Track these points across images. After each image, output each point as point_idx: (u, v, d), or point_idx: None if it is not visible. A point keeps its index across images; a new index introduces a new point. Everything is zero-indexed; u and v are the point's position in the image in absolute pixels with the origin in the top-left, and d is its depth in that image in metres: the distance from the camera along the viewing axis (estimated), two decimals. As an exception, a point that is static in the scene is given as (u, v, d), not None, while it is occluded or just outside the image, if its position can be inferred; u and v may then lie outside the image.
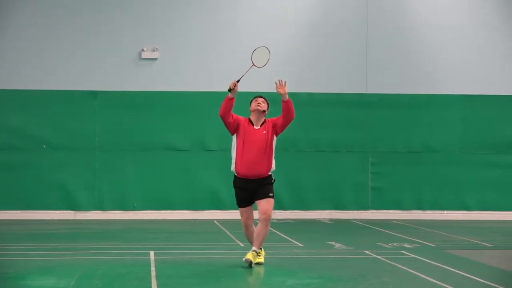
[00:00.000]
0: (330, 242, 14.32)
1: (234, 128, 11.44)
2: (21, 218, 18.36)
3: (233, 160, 11.44)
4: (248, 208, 11.45)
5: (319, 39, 19.65)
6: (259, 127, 11.44)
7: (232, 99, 11.34)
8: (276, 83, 11.43)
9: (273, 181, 11.46)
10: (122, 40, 19.15)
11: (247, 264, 11.33)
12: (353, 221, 18.85)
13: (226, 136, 18.94)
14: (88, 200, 18.80)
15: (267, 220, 11.28)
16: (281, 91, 11.33)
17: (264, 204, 11.29)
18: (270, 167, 11.43)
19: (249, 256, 11.37)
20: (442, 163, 19.67)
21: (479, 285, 10.37)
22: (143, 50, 19.15)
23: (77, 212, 18.76)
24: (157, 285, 10.09)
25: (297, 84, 19.15)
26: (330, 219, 19.00)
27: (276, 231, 16.13)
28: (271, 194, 11.36)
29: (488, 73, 19.93)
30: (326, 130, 19.35)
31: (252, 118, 11.51)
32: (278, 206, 19.26)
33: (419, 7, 19.89)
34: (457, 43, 19.92)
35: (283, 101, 11.37)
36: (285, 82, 11.40)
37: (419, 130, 19.71)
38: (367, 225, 17.89)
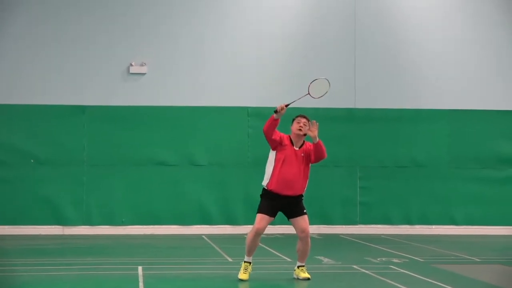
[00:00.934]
0: (319, 257, 14.31)
1: (276, 145, 11.47)
2: (9, 233, 18.28)
3: (268, 176, 11.45)
4: (269, 219, 11.44)
5: (307, 54, 19.68)
6: (298, 148, 11.50)
7: (277, 120, 11.32)
8: (309, 123, 11.48)
9: (303, 197, 11.67)
10: (111, 55, 19.14)
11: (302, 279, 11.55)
12: (341, 236, 18.85)
13: (214, 150, 19.06)
14: (76, 215, 18.74)
15: (307, 236, 11.51)
16: (311, 134, 11.39)
17: (302, 222, 11.48)
18: (305, 187, 11.61)
19: (305, 274, 11.60)
20: (429, 178, 19.70)
21: (468, 300, 10.38)
22: (131, 65, 19.14)
23: (65, 227, 18.70)
24: None
25: (285, 99, 19.12)
26: (319, 234, 18.99)
27: (264, 246, 16.11)
28: (305, 211, 11.57)
29: (475, 88, 20.01)
30: (314, 145, 19.36)
31: (293, 137, 11.56)
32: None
33: (406, 23, 19.96)
34: (444, 59, 19.99)
35: (313, 143, 11.46)
36: (317, 124, 11.46)
37: (407, 144, 19.75)
38: (356, 240, 17.90)
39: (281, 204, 11.45)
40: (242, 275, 11.51)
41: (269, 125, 11.34)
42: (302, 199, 11.64)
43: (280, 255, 14.73)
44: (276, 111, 11.26)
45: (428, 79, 19.94)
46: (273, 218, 11.52)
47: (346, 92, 19.70)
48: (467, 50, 20.04)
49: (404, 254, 14.88)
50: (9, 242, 16.89)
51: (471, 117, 19.84)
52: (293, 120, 11.66)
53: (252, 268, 11.65)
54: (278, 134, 11.42)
